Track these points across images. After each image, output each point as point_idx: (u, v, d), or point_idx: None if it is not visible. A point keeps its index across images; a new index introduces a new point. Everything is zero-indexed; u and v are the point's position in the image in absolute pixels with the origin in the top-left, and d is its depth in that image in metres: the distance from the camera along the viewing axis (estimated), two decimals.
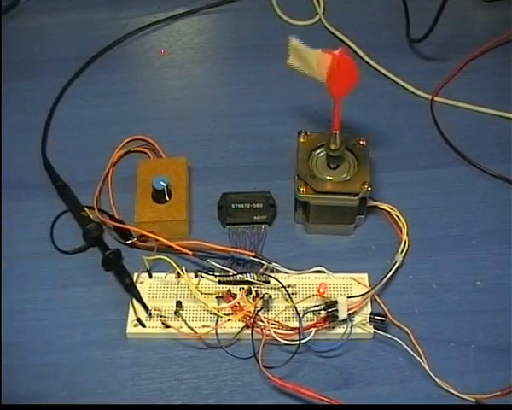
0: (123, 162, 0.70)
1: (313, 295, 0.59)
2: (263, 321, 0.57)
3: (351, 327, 0.57)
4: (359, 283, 0.60)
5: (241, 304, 0.58)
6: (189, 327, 0.57)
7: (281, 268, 0.60)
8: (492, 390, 0.55)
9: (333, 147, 0.61)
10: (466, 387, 0.55)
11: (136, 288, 0.60)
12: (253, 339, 0.56)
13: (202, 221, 0.66)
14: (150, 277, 0.61)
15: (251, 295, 0.59)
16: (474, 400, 0.54)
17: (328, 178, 0.62)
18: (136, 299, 0.59)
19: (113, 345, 0.58)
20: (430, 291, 0.61)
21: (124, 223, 0.64)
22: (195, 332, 0.57)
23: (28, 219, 0.66)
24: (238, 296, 0.58)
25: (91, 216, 0.64)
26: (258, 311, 0.57)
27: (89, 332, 0.59)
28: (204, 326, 0.58)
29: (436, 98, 0.75)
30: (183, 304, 0.59)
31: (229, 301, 0.58)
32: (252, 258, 0.60)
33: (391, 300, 0.60)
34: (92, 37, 0.82)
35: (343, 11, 0.84)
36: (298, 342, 0.55)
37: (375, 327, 0.57)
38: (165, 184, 0.63)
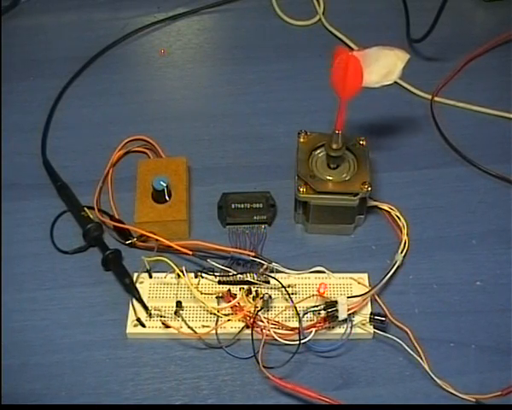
0: (123, 162, 0.70)
1: (313, 295, 0.59)
2: (263, 321, 0.57)
3: (351, 327, 0.57)
4: (359, 283, 0.60)
5: (241, 304, 0.58)
6: (189, 327, 0.57)
7: (281, 268, 0.60)
8: (492, 390, 0.55)
9: (334, 147, 0.61)
10: (466, 387, 0.55)
11: (136, 288, 0.60)
12: (252, 339, 0.56)
13: (202, 221, 0.65)
14: (150, 277, 0.60)
15: (251, 295, 0.58)
16: (473, 400, 0.54)
17: (328, 178, 0.62)
18: (136, 299, 0.59)
19: (113, 345, 0.58)
20: (430, 291, 0.61)
21: (124, 223, 0.64)
22: (195, 332, 0.57)
23: (28, 219, 0.65)
24: (238, 296, 0.58)
25: (91, 216, 0.64)
26: (258, 311, 0.57)
27: (89, 332, 0.59)
28: (204, 326, 0.58)
29: (436, 98, 0.75)
30: (183, 304, 0.59)
31: (229, 301, 0.58)
32: (252, 258, 0.60)
33: (391, 300, 0.60)
34: (92, 37, 0.82)
35: (343, 11, 0.84)
36: (298, 342, 0.55)
37: (375, 327, 0.57)
38: (165, 184, 0.63)
